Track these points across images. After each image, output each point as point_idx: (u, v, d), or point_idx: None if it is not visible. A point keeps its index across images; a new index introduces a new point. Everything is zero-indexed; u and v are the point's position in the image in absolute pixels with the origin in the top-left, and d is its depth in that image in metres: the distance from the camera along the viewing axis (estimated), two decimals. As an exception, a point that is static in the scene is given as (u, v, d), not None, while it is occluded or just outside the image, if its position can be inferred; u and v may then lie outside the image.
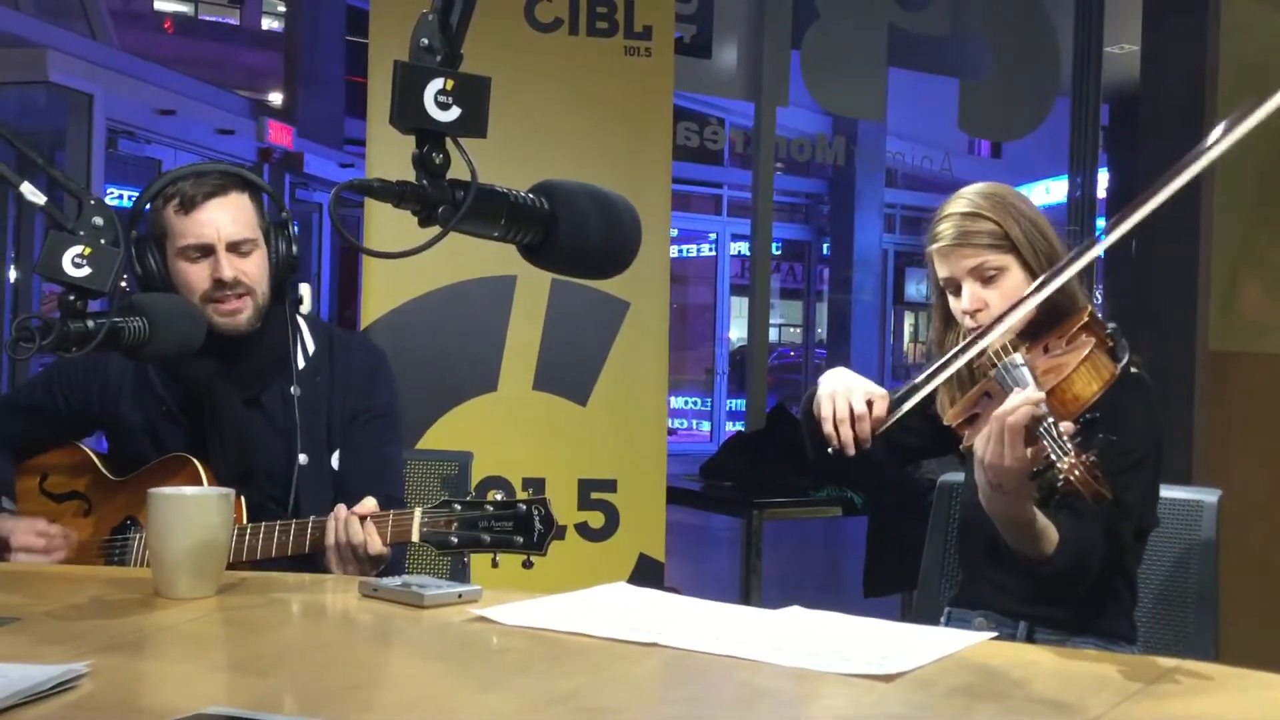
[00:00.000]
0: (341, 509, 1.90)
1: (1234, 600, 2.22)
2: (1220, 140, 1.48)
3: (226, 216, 2.04)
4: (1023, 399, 1.58)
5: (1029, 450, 1.58)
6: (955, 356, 1.82)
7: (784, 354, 16.19)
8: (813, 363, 15.18)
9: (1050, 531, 1.75)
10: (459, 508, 1.84)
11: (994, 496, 1.69)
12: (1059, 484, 1.47)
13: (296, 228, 2.16)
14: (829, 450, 1.87)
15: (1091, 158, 5.73)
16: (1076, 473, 1.46)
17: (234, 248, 2.05)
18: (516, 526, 1.82)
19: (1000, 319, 1.79)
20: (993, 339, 1.78)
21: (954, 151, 6.84)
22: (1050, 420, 1.54)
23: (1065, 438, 1.51)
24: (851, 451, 1.85)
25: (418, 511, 1.86)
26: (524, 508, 1.82)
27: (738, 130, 5.88)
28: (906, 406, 1.86)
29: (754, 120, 5.28)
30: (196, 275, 2.04)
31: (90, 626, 1.45)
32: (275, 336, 2.12)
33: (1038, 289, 1.77)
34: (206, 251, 2.03)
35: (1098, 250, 1.77)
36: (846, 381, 1.89)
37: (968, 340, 1.83)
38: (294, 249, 2.12)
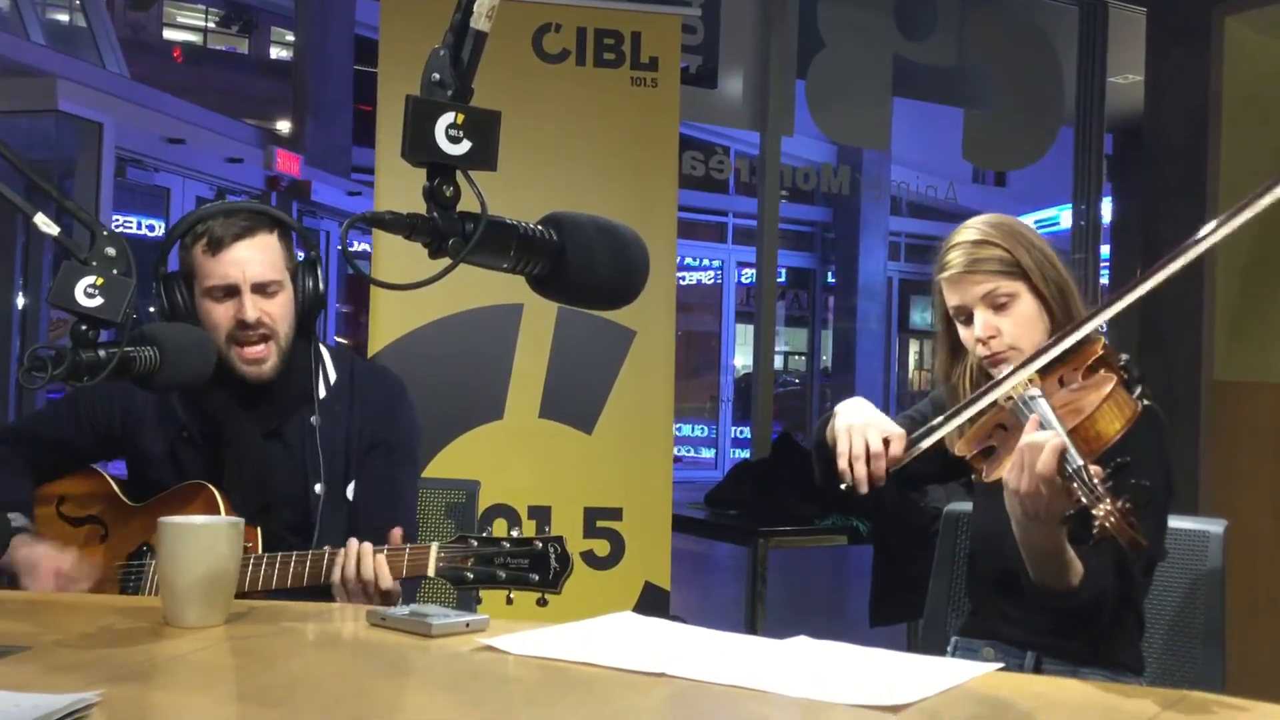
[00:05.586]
0: (353, 543, 1.90)
1: (1241, 630, 2.21)
2: (1224, 224, 1.52)
3: (254, 257, 2.05)
4: (1050, 433, 1.58)
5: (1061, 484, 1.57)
6: (974, 400, 1.80)
7: (788, 382, 16.17)
8: (817, 391, 15.18)
9: (1076, 563, 1.74)
10: (475, 544, 1.84)
11: (1029, 526, 1.69)
12: (1094, 529, 1.46)
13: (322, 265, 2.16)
14: (841, 486, 1.84)
15: (1095, 187, 5.75)
16: (1112, 519, 1.45)
17: (259, 289, 2.05)
18: (532, 564, 1.82)
19: (1021, 366, 1.77)
20: (1012, 385, 1.75)
21: (959, 180, 6.84)
22: (1080, 463, 1.54)
23: (1097, 481, 1.50)
24: (864, 490, 1.82)
25: (434, 546, 1.86)
26: (540, 545, 1.82)
27: (743, 159, 5.89)
28: (923, 446, 1.83)
29: (759, 149, 5.30)
30: (221, 315, 2.04)
31: (100, 656, 1.45)
32: (298, 372, 2.13)
33: (1059, 339, 1.75)
34: (232, 292, 2.04)
35: (1107, 315, 1.73)
36: (865, 416, 1.86)
37: (987, 386, 1.81)
38: (321, 288, 2.13)
